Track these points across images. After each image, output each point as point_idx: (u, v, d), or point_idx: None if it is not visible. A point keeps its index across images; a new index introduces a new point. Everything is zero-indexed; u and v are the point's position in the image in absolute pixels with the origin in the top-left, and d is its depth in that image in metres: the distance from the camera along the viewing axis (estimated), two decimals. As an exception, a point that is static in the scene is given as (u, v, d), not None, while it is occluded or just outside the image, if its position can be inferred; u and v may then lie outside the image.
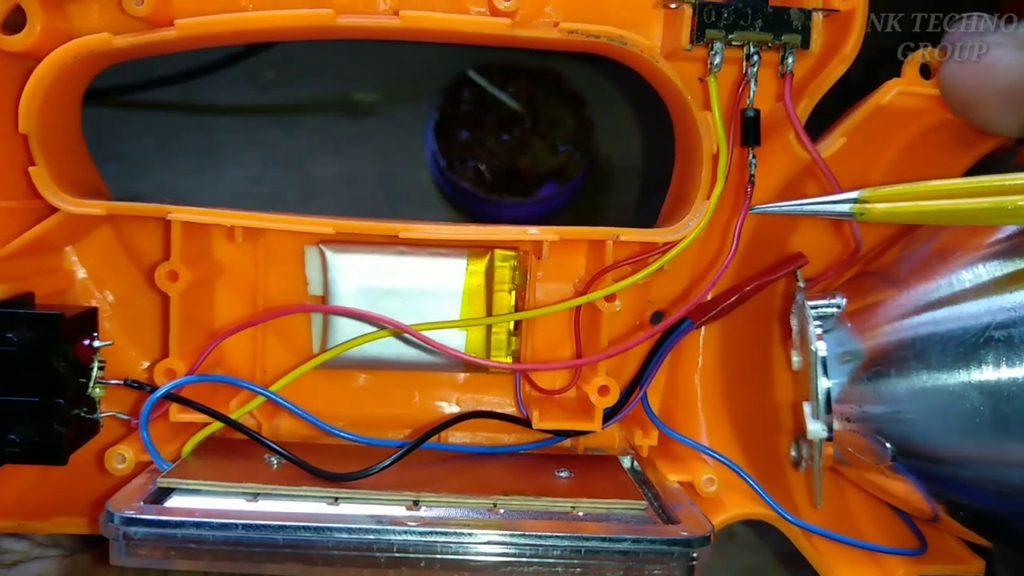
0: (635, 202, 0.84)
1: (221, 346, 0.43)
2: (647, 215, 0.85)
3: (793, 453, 0.44)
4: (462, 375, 0.46)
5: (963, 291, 0.35)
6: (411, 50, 0.83)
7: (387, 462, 0.37)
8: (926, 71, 0.38)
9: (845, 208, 0.35)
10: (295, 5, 0.37)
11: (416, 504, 0.35)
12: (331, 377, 0.45)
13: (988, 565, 0.45)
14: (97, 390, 0.38)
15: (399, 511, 0.35)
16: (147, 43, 0.37)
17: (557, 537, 0.33)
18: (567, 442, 0.44)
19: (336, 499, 0.35)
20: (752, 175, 0.38)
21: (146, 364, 0.43)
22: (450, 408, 0.46)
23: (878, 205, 0.34)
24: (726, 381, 0.45)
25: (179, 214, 0.38)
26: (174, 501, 0.35)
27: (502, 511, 0.35)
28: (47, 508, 0.40)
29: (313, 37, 0.39)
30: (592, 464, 0.42)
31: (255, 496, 0.35)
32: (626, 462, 0.43)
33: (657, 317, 0.45)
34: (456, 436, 0.45)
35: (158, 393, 0.37)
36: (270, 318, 0.43)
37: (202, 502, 0.35)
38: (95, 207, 0.37)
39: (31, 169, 0.37)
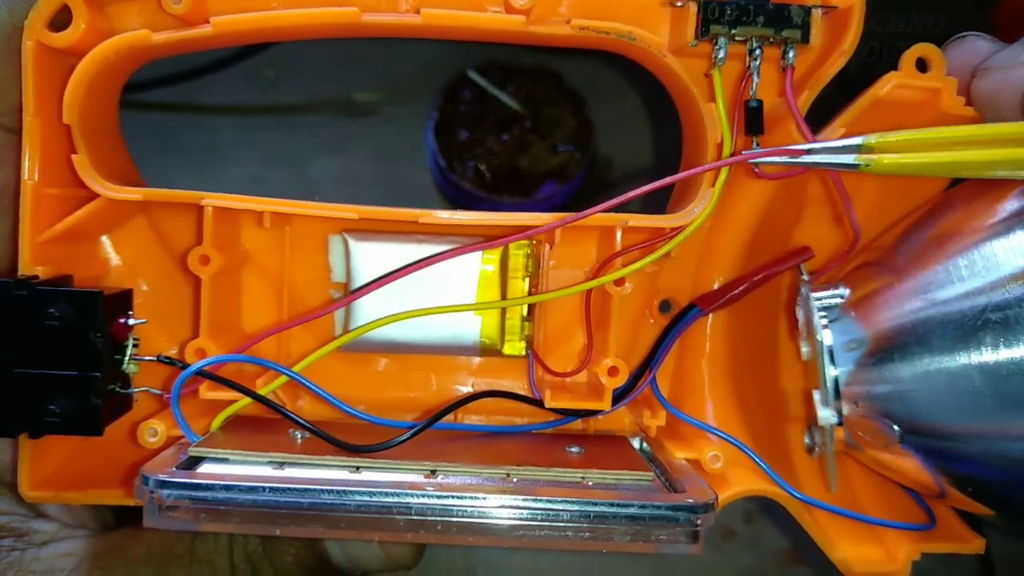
0: (635, 201, 0.87)
1: (247, 329, 0.47)
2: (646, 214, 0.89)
3: (807, 440, 0.48)
4: (477, 359, 0.50)
5: (959, 275, 0.38)
6: (411, 50, 0.87)
7: (407, 435, 0.41)
8: (922, 65, 0.42)
9: (850, 159, 0.36)
10: (322, 3, 0.42)
11: (433, 473, 0.39)
12: (352, 362, 0.49)
13: (990, 568, 0.48)
14: (132, 366, 0.42)
15: (417, 478, 0.38)
16: (184, 40, 0.41)
17: (567, 502, 0.37)
18: (578, 424, 0.48)
19: (358, 468, 0.39)
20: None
21: (175, 350, 0.47)
22: (466, 391, 0.50)
23: (885, 157, 0.35)
24: (733, 368, 0.48)
25: (212, 200, 0.42)
26: (204, 468, 0.39)
27: (515, 480, 0.39)
28: (83, 480, 0.43)
29: (339, 35, 0.43)
30: (602, 442, 0.46)
31: (281, 464, 0.39)
32: (635, 443, 0.47)
33: (665, 306, 0.49)
34: (471, 417, 0.49)
35: (191, 369, 0.40)
36: (301, 323, 0.46)
37: (231, 469, 0.38)
38: (132, 193, 0.41)
39: (74, 157, 0.41)
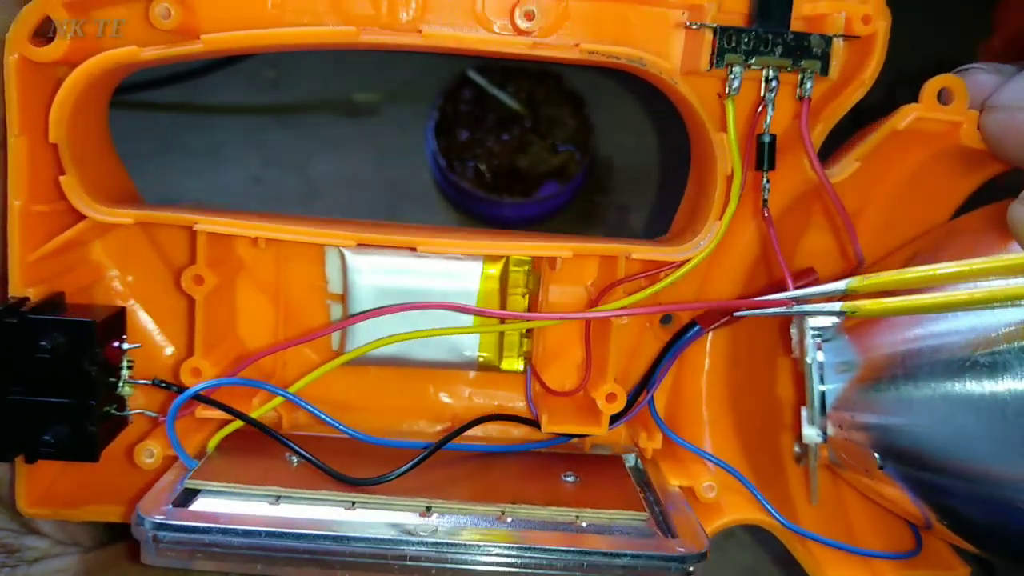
0: (635, 202, 0.85)
1: (244, 339, 0.45)
2: (646, 215, 0.87)
3: (796, 449, 0.46)
4: (475, 372, 0.47)
5: (954, 312, 0.36)
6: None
7: (402, 470, 0.39)
8: (943, 97, 0.39)
9: (835, 307, 0.34)
10: (317, 12, 0.39)
11: (428, 511, 0.38)
12: (349, 371, 0.46)
13: (990, 570, 0.47)
14: (126, 389, 0.40)
15: (412, 517, 0.37)
16: (173, 55, 0.38)
17: (561, 551, 0.35)
18: (574, 439, 0.46)
19: (353, 503, 0.38)
20: (766, 199, 0.39)
21: (171, 350, 0.45)
22: (463, 403, 0.48)
23: (869, 303, 0.33)
24: (731, 383, 0.46)
25: (205, 224, 0.39)
26: (200, 504, 0.37)
27: (510, 519, 0.38)
28: (79, 497, 0.42)
29: (335, 49, 0.40)
30: (597, 467, 0.44)
31: (277, 499, 0.37)
32: (630, 460, 0.45)
33: (667, 319, 0.47)
34: (468, 433, 0.47)
35: (183, 397, 0.38)
36: (296, 344, 0.45)
37: (227, 505, 0.37)
38: (124, 216, 0.39)
39: (61, 179, 0.38)
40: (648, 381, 0.45)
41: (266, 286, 0.45)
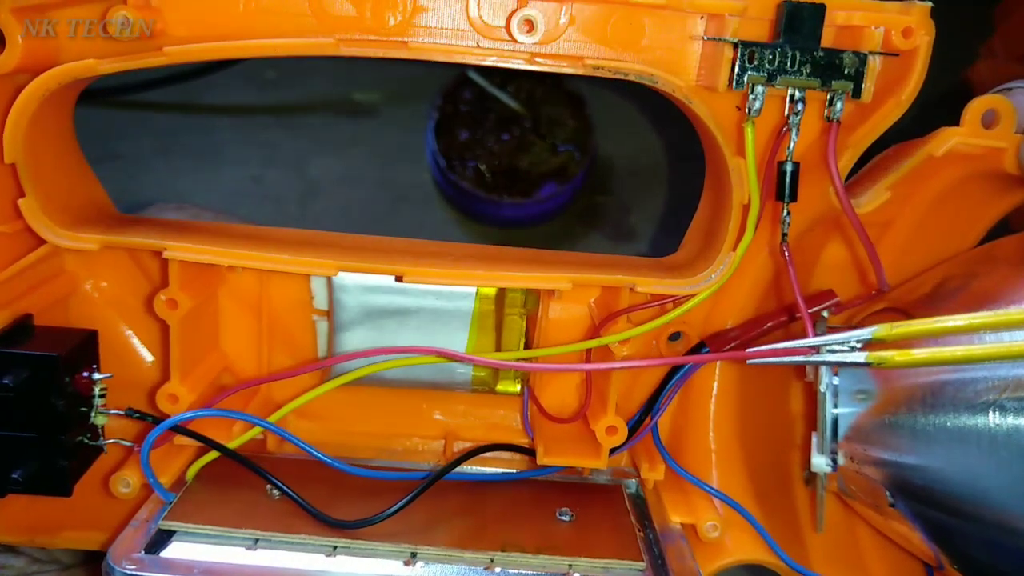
0: (635, 202, 0.81)
1: (227, 352, 0.41)
2: (647, 214, 0.83)
3: (806, 472, 0.42)
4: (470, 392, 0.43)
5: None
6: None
7: (386, 514, 0.35)
8: (987, 119, 0.34)
9: (860, 358, 0.30)
10: (293, 14, 0.34)
11: (413, 558, 0.34)
12: (341, 389, 0.42)
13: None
14: (100, 418, 0.36)
15: (396, 567, 0.33)
16: (134, 66, 0.33)
17: None
18: (572, 466, 0.42)
19: (334, 548, 0.34)
20: (785, 234, 0.34)
21: (151, 359, 0.41)
22: (457, 420, 0.43)
23: (897, 354, 0.29)
24: (741, 405, 0.42)
25: (175, 251, 0.35)
26: (174, 549, 0.33)
27: (498, 570, 0.34)
28: (56, 523, 0.39)
29: (314, 57, 0.35)
30: (595, 499, 0.40)
31: (255, 542, 0.34)
32: (630, 486, 0.41)
33: (675, 337, 0.42)
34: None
35: (155, 433, 0.34)
36: (280, 378, 0.40)
37: (202, 551, 0.33)
38: (88, 241, 0.34)
39: (20, 202, 0.34)
40: (652, 406, 0.40)
41: (249, 301, 0.41)
